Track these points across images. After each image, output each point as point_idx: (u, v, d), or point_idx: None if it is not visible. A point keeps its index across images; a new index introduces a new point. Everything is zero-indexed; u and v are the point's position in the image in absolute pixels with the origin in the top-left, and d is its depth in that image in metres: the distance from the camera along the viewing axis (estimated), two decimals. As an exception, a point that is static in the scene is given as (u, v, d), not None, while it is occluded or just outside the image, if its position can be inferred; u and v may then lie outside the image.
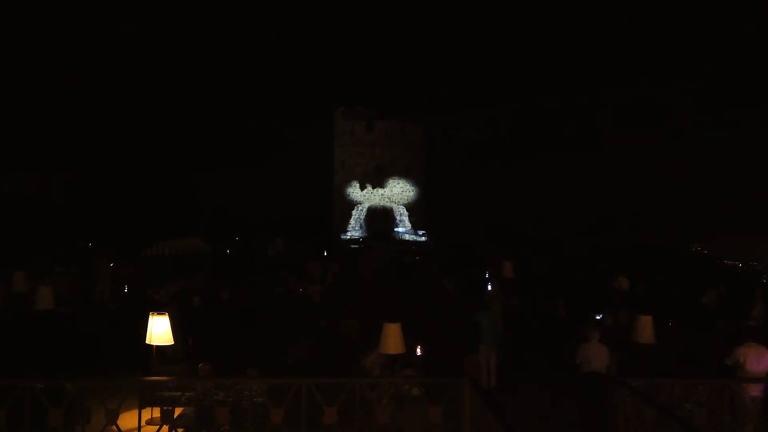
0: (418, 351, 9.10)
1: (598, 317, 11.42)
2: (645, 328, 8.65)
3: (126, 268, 19.10)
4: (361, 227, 43.05)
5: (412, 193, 44.68)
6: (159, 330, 8.03)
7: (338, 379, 5.72)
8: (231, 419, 5.73)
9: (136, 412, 5.52)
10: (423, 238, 41.20)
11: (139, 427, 5.42)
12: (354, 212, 43.48)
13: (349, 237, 41.01)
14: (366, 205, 43.84)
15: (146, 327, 8.09)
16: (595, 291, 15.86)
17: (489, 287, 14.77)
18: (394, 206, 43.94)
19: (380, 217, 43.58)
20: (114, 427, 5.04)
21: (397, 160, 44.30)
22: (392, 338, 7.36)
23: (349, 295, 15.16)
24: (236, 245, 30.91)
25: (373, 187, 43.74)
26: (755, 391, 7.59)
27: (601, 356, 8.93)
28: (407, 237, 41.45)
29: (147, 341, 8.06)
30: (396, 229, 42.73)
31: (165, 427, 5.65)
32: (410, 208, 44.28)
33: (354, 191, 44.26)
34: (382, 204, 43.97)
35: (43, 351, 9.17)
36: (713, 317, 12.79)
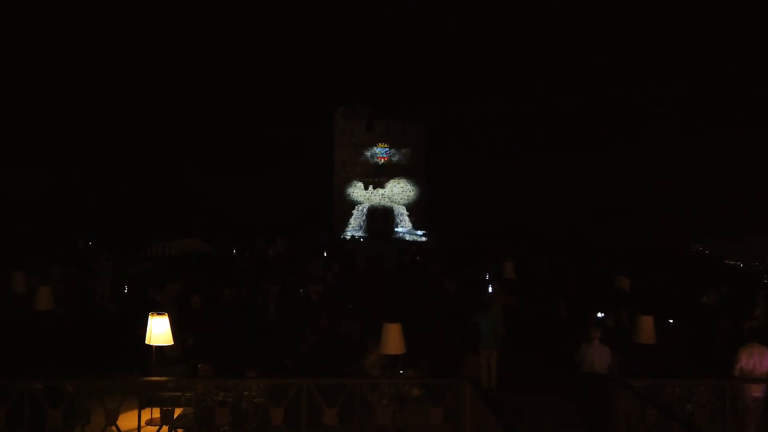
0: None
1: (600, 315, 11.39)
2: (646, 328, 8.62)
3: (126, 268, 19.06)
4: (361, 227, 43.07)
5: (412, 193, 44.69)
6: (159, 330, 8.01)
7: (338, 379, 5.70)
8: (231, 420, 5.71)
9: (135, 412, 5.51)
10: (423, 238, 41.19)
11: (139, 427, 5.40)
12: (354, 212, 43.50)
13: (349, 237, 41.00)
14: (366, 205, 43.85)
15: (146, 327, 8.07)
16: (595, 291, 15.82)
17: (490, 288, 14.72)
18: (395, 206, 43.94)
19: (380, 217, 43.59)
20: (114, 428, 5.02)
21: (397, 160, 44.36)
22: (392, 338, 7.33)
23: (349, 295, 15.13)
24: (236, 245, 30.87)
25: (374, 187, 43.78)
26: (757, 391, 7.57)
27: (602, 357, 8.91)
28: (407, 237, 41.45)
29: (147, 342, 8.04)
30: (396, 229, 42.76)
31: (165, 428, 5.63)
32: (410, 208, 44.29)
33: (354, 191, 44.27)
34: (382, 204, 43.98)
35: (43, 352, 9.15)
36: (714, 317, 12.75)
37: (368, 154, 44.07)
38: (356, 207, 43.81)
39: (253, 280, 16.18)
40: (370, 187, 44.15)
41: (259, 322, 11.94)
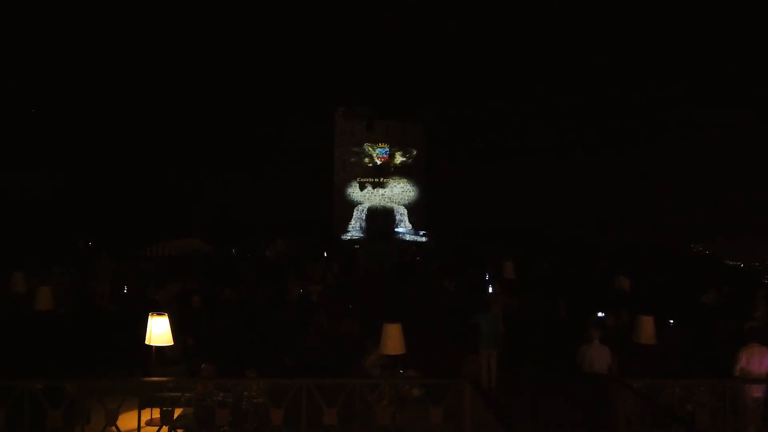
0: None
1: (600, 315, 11.39)
2: (646, 329, 8.62)
3: (126, 268, 19.06)
4: (361, 227, 43.05)
5: (412, 193, 44.68)
6: (159, 330, 8.01)
7: (338, 379, 5.70)
8: (231, 420, 5.71)
9: (135, 412, 5.51)
10: (423, 238, 41.18)
11: (139, 427, 5.41)
12: (354, 212, 43.50)
13: (349, 237, 41.00)
14: (366, 205, 43.84)
15: (146, 328, 8.07)
16: (595, 291, 15.81)
17: (490, 288, 14.72)
18: (395, 206, 43.94)
19: (380, 218, 43.56)
20: (114, 428, 5.02)
21: (401, 162, 44.37)
22: (392, 339, 7.33)
23: (349, 295, 15.13)
24: (236, 245, 30.88)
25: (374, 188, 43.79)
26: (757, 392, 7.57)
27: (602, 357, 8.91)
28: (407, 237, 41.44)
29: (147, 342, 8.04)
30: (396, 230, 42.75)
31: (165, 428, 5.63)
32: (410, 208, 44.28)
33: (354, 191, 44.26)
34: (382, 204, 43.97)
35: (43, 352, 9.15)
36: (714, 317, 12.75)
37: (368, 154, 44.06)
38: (356, 207, 43.81)
39: (255, 280, 16.17)
40: (370, 188, 44.15)
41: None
